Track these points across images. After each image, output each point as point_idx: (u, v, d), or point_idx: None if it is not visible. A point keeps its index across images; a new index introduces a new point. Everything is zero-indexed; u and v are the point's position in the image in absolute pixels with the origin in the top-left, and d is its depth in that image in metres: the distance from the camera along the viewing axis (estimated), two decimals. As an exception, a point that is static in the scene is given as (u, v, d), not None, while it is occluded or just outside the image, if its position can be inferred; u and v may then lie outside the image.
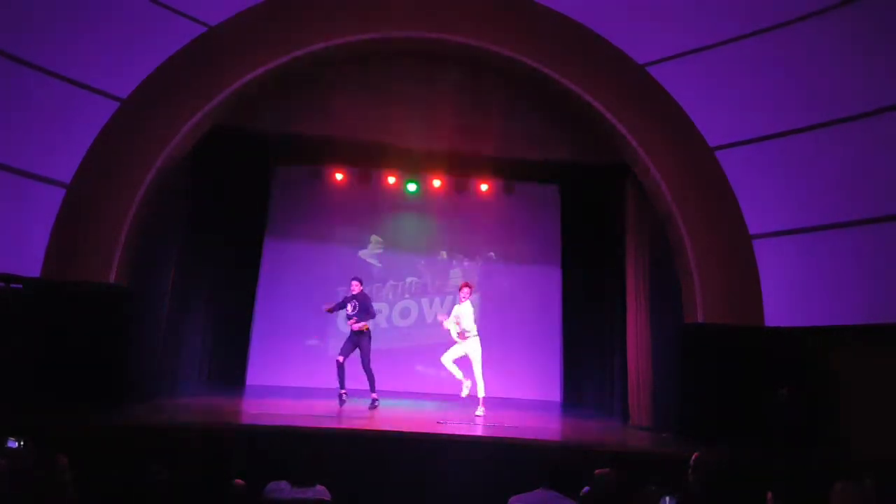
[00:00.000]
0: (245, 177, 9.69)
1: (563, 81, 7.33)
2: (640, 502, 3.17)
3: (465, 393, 7.54)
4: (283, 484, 3.10)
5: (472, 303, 7.78)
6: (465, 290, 7.71)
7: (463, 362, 7.66)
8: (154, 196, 6.89)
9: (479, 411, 7.39)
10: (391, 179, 10.01)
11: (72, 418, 5.41)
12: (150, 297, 7.01)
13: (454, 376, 7.61)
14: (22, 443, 4.18)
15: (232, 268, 9.57)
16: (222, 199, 9.01)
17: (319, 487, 3.13)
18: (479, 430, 6.38)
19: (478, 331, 7.65)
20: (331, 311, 7.76)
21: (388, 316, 10.71)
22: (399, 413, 7.29)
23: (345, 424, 6.20)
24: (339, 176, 9.99)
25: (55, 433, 5.10)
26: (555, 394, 10.52)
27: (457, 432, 6.33)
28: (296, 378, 9.69)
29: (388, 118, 7.70)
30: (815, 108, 6.46)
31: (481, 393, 7.53)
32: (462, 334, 7.57)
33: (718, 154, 7.15)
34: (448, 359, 7.61)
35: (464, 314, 7.63)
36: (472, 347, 7.57)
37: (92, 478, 3.23)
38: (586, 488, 3.55)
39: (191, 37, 6.90)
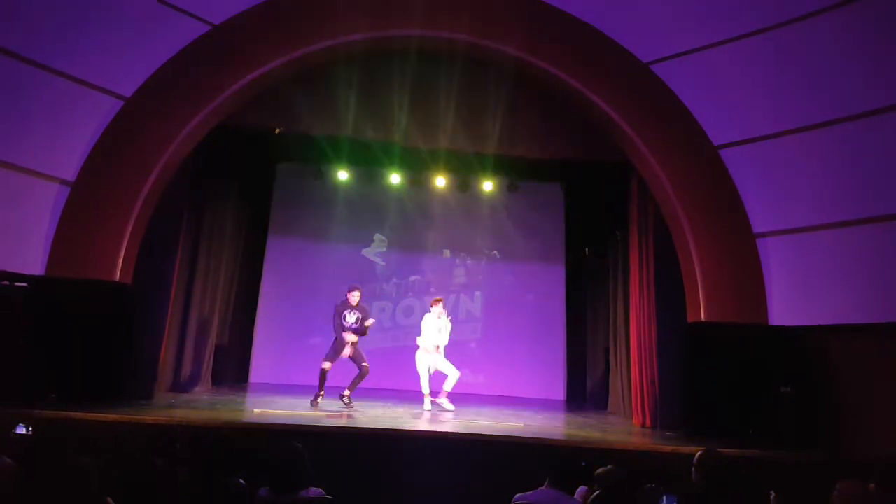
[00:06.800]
0: (248, 175, 9.71)
1: (568, 79, 7.31)
2: (641, 500, 3.17)
3: (428, 406, 7.61)
4: (264, 491, 3.07)
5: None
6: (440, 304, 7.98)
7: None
8: (157, 194, 6.91)
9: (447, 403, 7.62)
10: (394, 178, 10.00)
11: (75, 414, 5.43)
12: (153, 295, 7.03)
13: (421, 382, 7.70)
14: (30, 429, 4.24)
15: (235, 266, 9.59)
16: (226, 197, 9.03)
17: (314, 489, 3.11)
18: (479, 429, 6.38)
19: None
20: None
21: (392, 314, 10.73)
22: (401, 411, 7.30)
23: (346, 423, 6.21)
24: (342, 174, 9.98)
25: (60, 429, 5.15)
26: (558, 392, 10.53)
27: (459, 430, 6.33)
28: (299, 376, 9.72)
29: (390, 116, 7.70)
30: (818, 107, 6.43)
31: (449, 388, 7.72)
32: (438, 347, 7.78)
33: (723, 152, 7.14)
34: (424, 367, 7.75)
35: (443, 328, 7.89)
36: (439, 361, 7.77)
37: (98, 472, 3.24)
38: (583, 487, 3.54)
39: (195, 35, 6.91)
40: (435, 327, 7.82)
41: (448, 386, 7.70)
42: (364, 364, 7.39)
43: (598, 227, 9.80)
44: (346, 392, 7.33)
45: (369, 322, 7.53)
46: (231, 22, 6.98)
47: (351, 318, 7.46)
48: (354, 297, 7.54)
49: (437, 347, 7.77)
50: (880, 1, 5.74)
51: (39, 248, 6.38)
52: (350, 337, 7.37)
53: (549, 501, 3.27)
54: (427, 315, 7.96)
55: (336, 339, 7.39)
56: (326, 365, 7.30)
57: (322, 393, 7.27)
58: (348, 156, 9.13)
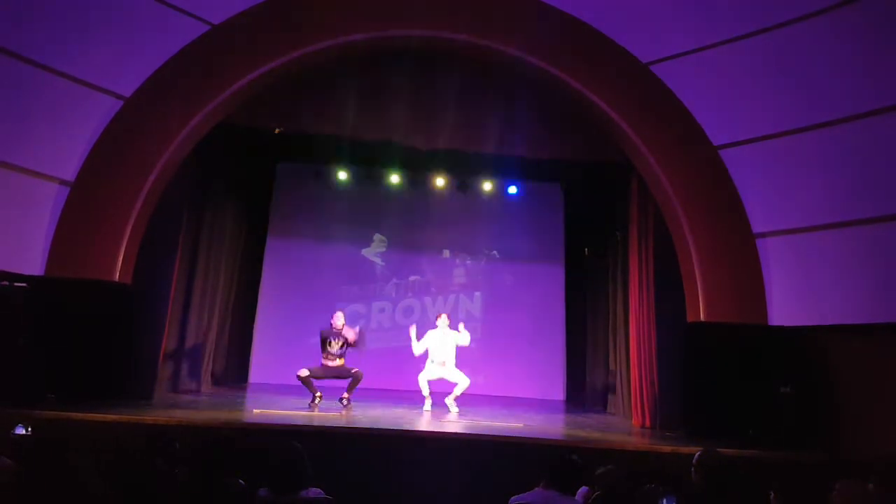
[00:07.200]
0: (248, 175, 9.72)
1: (568, 80, 7.31)
2: (640, 501, 3.17)
3: (428, 407, 7.58)
4: (264, 491, 3.07)
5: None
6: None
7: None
8: (157, 194, 6.91)
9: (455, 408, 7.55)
10: (394, 178, 10.02)
11: (75, 415, 5.43)
12: (153, 295, 7.02)
13: (422, 391, 7.64)
14: (29, 429, 4.25)
15: (235, 266, 9.59)
16: (225, 197, 9.03)
17: (314, 489, 3.11)
18: (479, 429, 6.38)
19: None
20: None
21: (392, 314, 10.73)
22: (400, 411, 7.30)
23: (346, 423, 6.21)
24: (341, 175, 10.00)
25: (59, 429, 5.15)
26: (558, 392, 10.53)
27: (459, 430, 6.34)
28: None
29: (390, 116, 7.70)
30: (818, 107, 6.43)
31: (458, 393, 7.64)
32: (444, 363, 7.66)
33: (722, 153, 7.13)
34: (425, 378, 7.65)
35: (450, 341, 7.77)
36: (447, 373, 7.68)
37: (98, 472, 3.24)
38: (584, 488, 3.54)
39: (194, 35, 6.89)
40: (435, 342, 7.73)
41: (457, 391, 7.63)
42: (353, 371, 7.36)
43: (598, 227, 9.80)
44: (345, 395, 7.32)
45: (354, 335, 7.43)
46: (231, 22, 6.97)
47: (335, 345, 7.41)
48: (339, 318, 7.49)
49: (444, 362, 7.63)
50: (880, 2, 5.75)
51: (39, 248, 6.37)
52: (334, 362, 7.35)
53: (545, 502, 3.26)
54: (430, 331, 7.88)
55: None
56: (302, 372, 7.24)
57: (319, 394, 7.25)
58: (348, 156, 9.14)
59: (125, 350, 6.57)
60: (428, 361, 7.73)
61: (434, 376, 7.68)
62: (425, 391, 7.62)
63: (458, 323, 8.03)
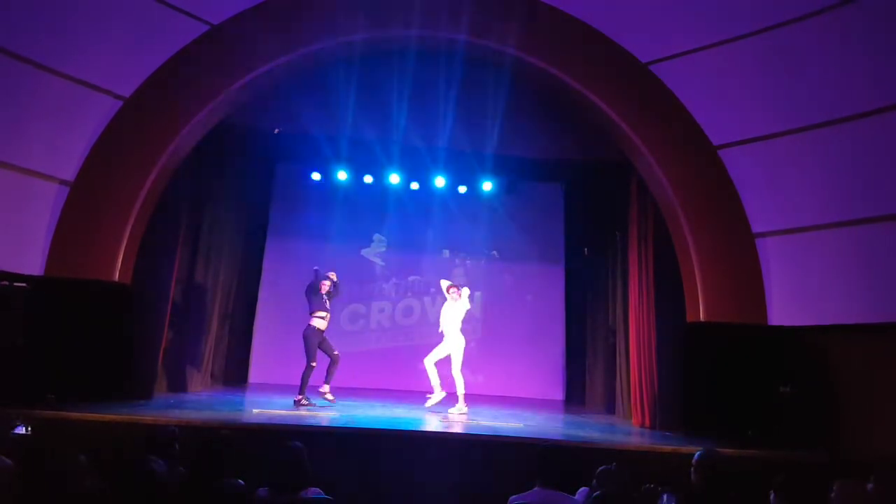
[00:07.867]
0: (248, 175, 9.71)
1: (567, 80, 7.31)
2: (640, 501, 3.16)
3: (430, 403, 7.46)
4: (264, 491, 3.07)
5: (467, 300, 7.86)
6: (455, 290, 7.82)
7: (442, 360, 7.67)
8: (157, 194, 6.91)
9: (463, 409, 7.37)
10: (394, 178, 10.01)
11: (74, 415, 5.43)
12: (152, 296, 7.02)
13: (431, 380, 7.55)
14: (29, 429, 4.26)
15: (234, 266, 9.59)
16: (226, 197, 9.03)
17: (313, 489, 3.11)
18: (479, 429, 6.38)
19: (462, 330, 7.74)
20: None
21: (391, 314, 10.73)
22: (400, 411, 7.29)
23: (345, 423, 6.20)
24: (341, 175, 9.98)
25: (59, 429, 5.15)
26: (557, 392, 10.53)
27: (458, 430, 6.33)
28: (299, 376, 9.71)
29: (390, 116, 7.71)
30: (818, 107, 6.43)
31: (461, 390, 7.50)
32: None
33: (722, 153, 7.13)
34: (431, 361, 7.57)
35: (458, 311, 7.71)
36: (455, 346, 7.56)
37: (97, 472, 3.24)
38: (584, 488, 3.53)
39: (194, 35, 6.91)
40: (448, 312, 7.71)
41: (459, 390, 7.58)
42: (335, 353, 7.45)
43: (598, 227, 9.79)
44: (325, 388, 7.35)
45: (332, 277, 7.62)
46: (230, 22, 6.98)
47: (325, 287, 7.54)
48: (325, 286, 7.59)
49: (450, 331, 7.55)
50: (879, 1, 5.75)
51: (39, 248, 6.37)
52: (322, 323, 7.40)
53: (544, 501, 3.26)
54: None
55: (305, 337, 7.34)
56: (314, 363, 7.29)
57: (301, 396, 7.24)
58: (348, 156, 9.13)
59: (124, 350, 6.56)
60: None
61: (444, 353, 7.57)
62: (436, 380, 7.51)
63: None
